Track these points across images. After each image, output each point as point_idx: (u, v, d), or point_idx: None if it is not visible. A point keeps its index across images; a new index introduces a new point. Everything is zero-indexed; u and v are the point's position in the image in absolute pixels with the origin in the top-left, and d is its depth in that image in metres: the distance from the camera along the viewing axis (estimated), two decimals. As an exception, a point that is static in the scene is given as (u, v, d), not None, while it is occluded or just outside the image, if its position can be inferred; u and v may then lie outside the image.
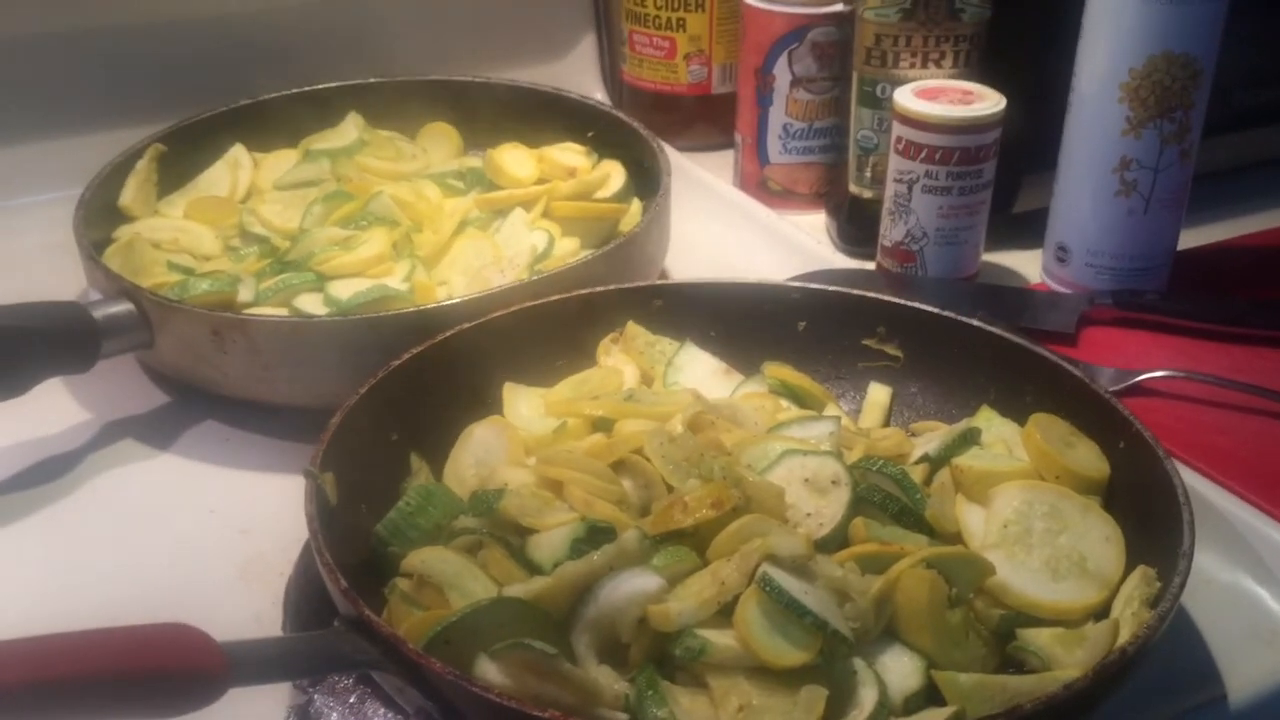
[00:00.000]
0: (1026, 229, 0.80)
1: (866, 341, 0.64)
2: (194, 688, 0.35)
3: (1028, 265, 0.80)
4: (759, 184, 0.89)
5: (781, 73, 0.85)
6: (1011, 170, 0.79)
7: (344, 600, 0.43)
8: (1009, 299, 0.74)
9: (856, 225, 0.81)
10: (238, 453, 0.65)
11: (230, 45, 0.89)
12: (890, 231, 0.76)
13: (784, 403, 0.60)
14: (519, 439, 0.57)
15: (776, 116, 0.86)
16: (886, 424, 0.62)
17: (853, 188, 0.81)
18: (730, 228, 0.86)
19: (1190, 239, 0.81)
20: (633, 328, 0.64)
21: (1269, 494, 0.57)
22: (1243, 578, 0.54)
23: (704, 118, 0.97)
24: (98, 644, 0.35)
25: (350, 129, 0.85)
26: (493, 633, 0.43)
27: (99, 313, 0.63)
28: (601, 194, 0.78)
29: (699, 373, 0.63)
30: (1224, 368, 0.65)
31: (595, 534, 0.48)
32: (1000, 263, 0.81)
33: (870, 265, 0.79)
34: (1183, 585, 0.44)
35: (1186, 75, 0.68)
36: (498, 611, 0.44)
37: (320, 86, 0.86)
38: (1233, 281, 0.75)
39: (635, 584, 0.46)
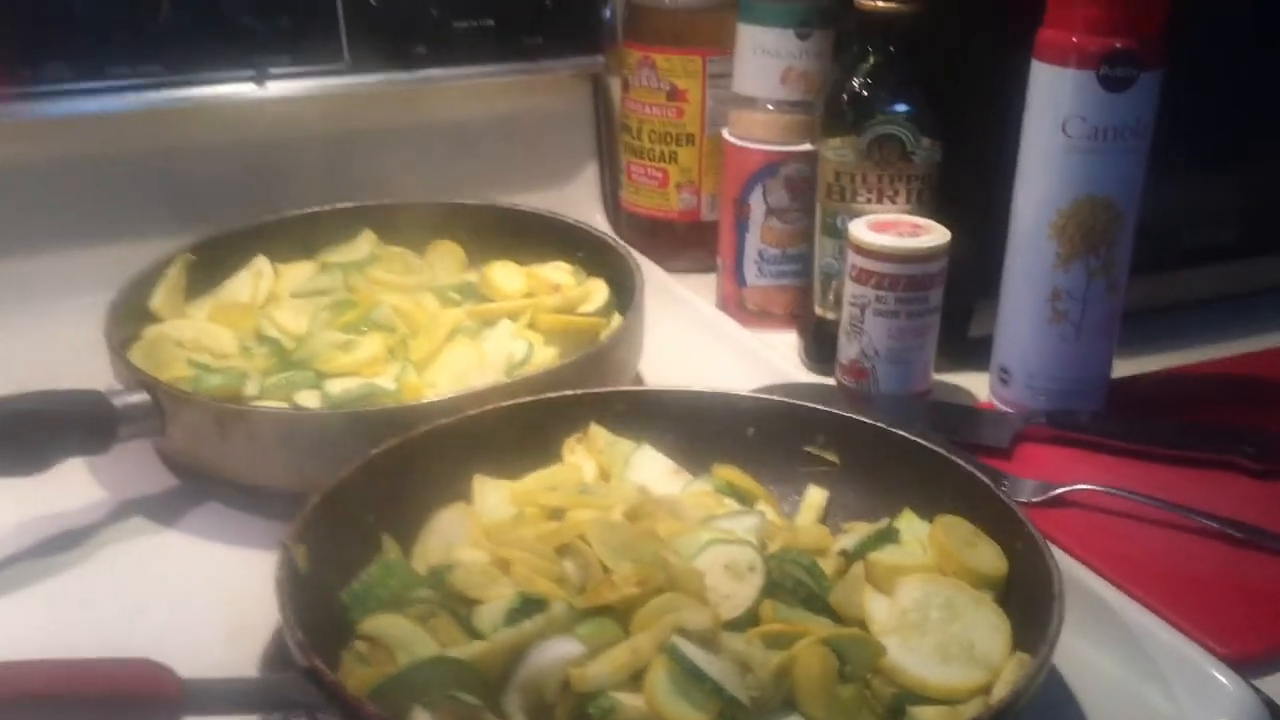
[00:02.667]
0: (978, 352, 0.86)
1: (808, 448, 0.70)
2: (154, 713, 0.41)
3: (978, 385, 0.86)
4: (738, 304, 0.96)
5: (757, 203, 0.92)
6: (964, 297, 0.85)
7: (298, 651, 0.49)
8: (953, 415, 0.80)
9: (820, 344, 0.88)
10: (234, 531, 0.71)
11: (258, 168, 0.99)
12: (846, 350, 0.82)
13: (727, 500, 0.66)
14: (479, 523, 0.63)
15: (753, 243, 0.94)
16: (821, 522, 0.67)
17: (817, 309, 0.88)
18: (707, 343, 0.93)
19: (1133, 368, 0.87)
20: (595, 429, 0.70)
21: (1165, 598, 0.62)
22: (1135, 675, 0.59)
23: (694, 242, 1.05)
24: (75, 669, 0.41)
25: (363, 244, 0.93)
26: (431, 688, 0.49)
27: (118, 401, 0.70)
28: (584, 308, 0.85)
29: (652, 471, 0.69)
30: (1144, 484, 0.70)
31: (529, 605, 0.53)
32: (954, 382, 0.87)
33: (832, 381, 0.85)
34: (1042, 666, 0.49)
35: (1109, 216, 0.75)
36: (436, 669, 0.50)
37: (338, 206, 0.94)
38: (1165, 408, 0.80)
39: (560, 650, 0.51)
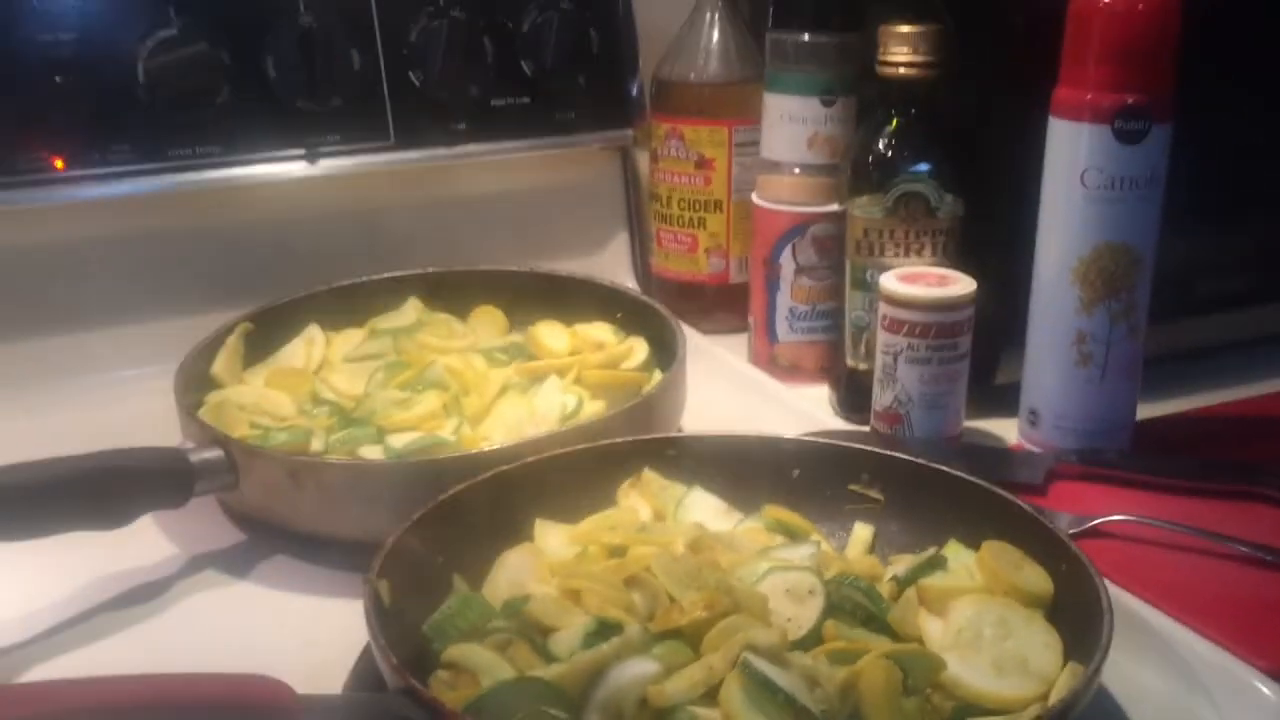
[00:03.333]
0: (1006, 398, 0.89)
1: (853, 487, 0.73)
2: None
3: (1007, 430, 0.89)
4: (770, 360, 1.00)
5: (787, 263, 0.97)
6: (991, 346, 0.89)
7: (394, 675, 0.52)
8: (986, 456, 0.84)
9: (853, 394, 0.91)
10: (303, 581, 0.74)
11: (309, 241, 1.03)
12: (880, 398, 0.86)
13: (777, 537, 0.70)
14: (545, 562, 0.66)
15: (783, 301, 0.98)
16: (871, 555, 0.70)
17: (849, 361, 0.92)
18: (744, 397, 0.96)
19: (1157, 410, 0.90)
20: (648, 474, 0.74)
21: (1204, 617, 0.64)
22: (1180, 690, 0.62)
23: (723, 304, 1.09)
24: (201, 681, 0.44)
25: (410, 311, 0.98)
26: (519, 705, 0.52)
27: (194, 457, 0.74)
28: (627, 365, 0.89)
29: (705, 512, 0.72)
30: (1174, 515, 0.73)
31: (605, 629, 0.56)
32: (983, 428, 0.90)
33: (866, 429, 0.89)
34: (1095, 673, 0.52)
35: (1128, 261, 0.79)
36: (523, 688, 0.53)
37: (385, 275, 0.99)
38: (1188, 446, 0.84)
39: (638, 669, 0.54)
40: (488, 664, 0.56)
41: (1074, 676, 0.54)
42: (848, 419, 0.93)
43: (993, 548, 0.63)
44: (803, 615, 0.59)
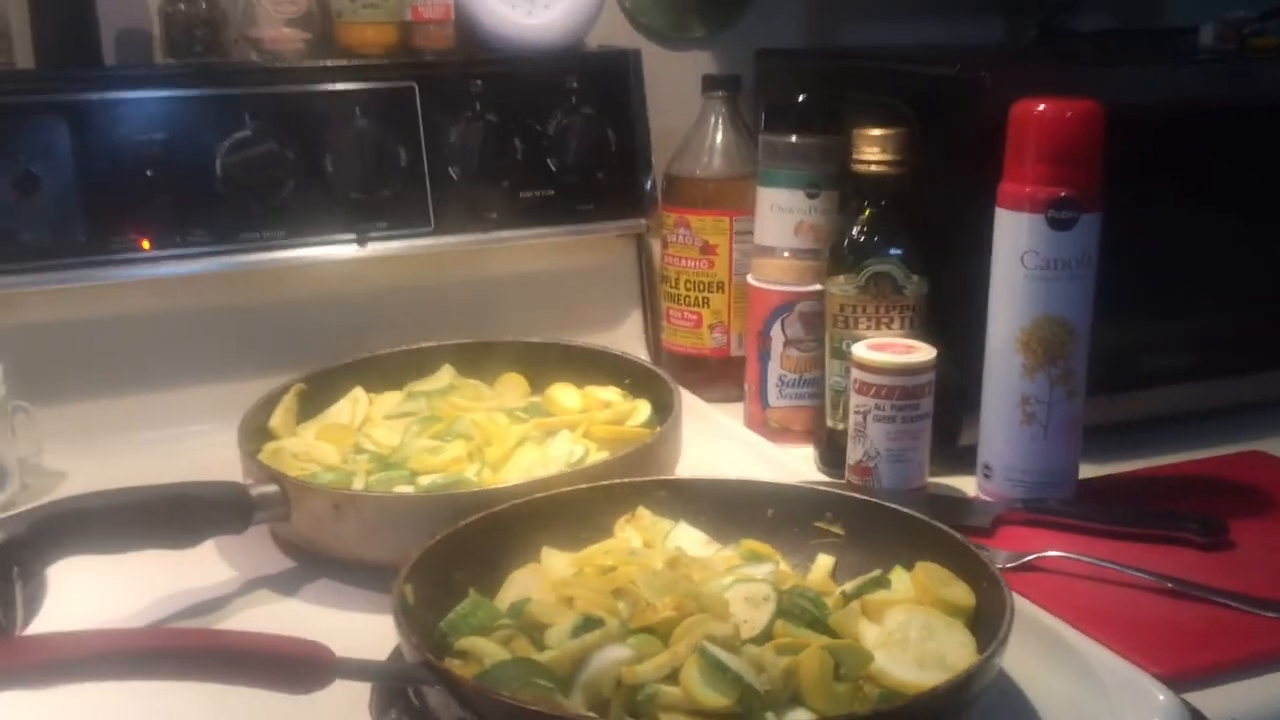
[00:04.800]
0: (968, 457, 1.00)
1: (818, 523, 0.84)
2: (312, 669, 0.56)
3: (968, 485, 1.00)
4: (763, 424, 1.12)
5: (777, 336, 1.09)
6: (954, 411, 1.00)
7: (413, 652, 0.64)
8: (943, 505, 0.94)
9: (833, 451, 1.03)
10: (345, 600, 0.85)
11: (358, 314, 1.16)
12: (853, 452, 0.97)
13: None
14: (548, 579, 0.78)
15: (774, 369, 1.10)
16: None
17: (829, 422, 1.03)
18: (737, 454, 1.08)
19: (1104, 471, 1.01)
20: (642, 510, 0.85)
21: (1113, 633, 0.74)
22: (1087, 693, 0.71)
23: (725, 375, 1.21)
24: (255, 637, 0.56)
25: (444, 377, 1.10)
26: (515, 679, 0.63)
27: (254, 490, 0.86)
28: (631, 422, 1.01)
29: (689, 542, 0.83)
30: (1102, 553, 0.84)
31: (590, 623, 0.68)
32: (948, 483, 1.01)
33: (843, 481, 1.00)
34: (992, 655, 0.63)
35: (1064, 333, 0.90)
36: (519, 667, 0.65)
37: (422, 345, 1.11)
38: (1126, 499, 0.94)
39: (615, 654, 0.65)
40: (493, 653, 0.68)
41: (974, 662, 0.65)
42: (828, 473, 1.04)
43: (925, 568, 0.74)
44: (757, 617, 0.70)
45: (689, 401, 1.17)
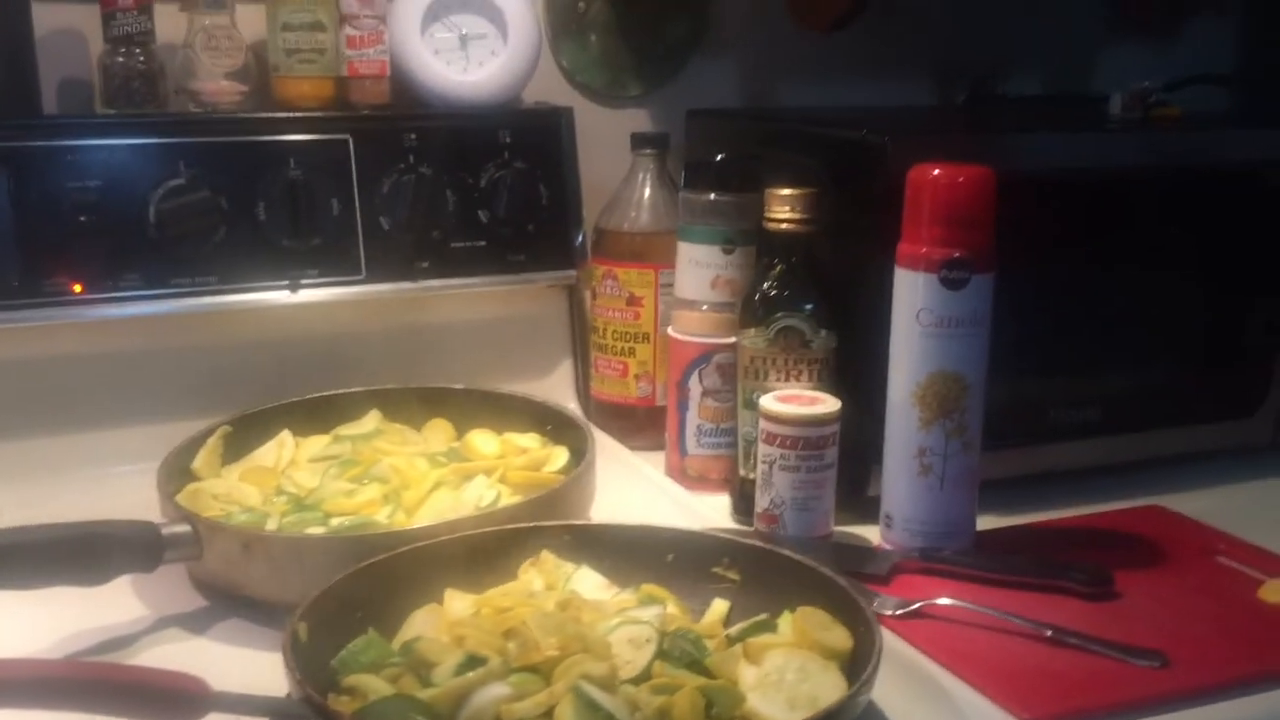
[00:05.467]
0: (876, 507, 1.03)
1: (715, 569, 0.87)
2: (188, 701, 0.58)
3: (875, 534, 1.03)
4: (681, 472, 1.15)
5: (695, 386, 1.12)
6: (863, 461, 1.03)
7: (296, 687, 0.66)
8: (845, 552, 0.97)
9: (744, 499, 1.05)
10: (254, 639, 0.86)
11: (288, 359, 1.19)
12: (760, 500, 1.00)
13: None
14: (445, 619, 0.80)
15: (692, 419, 1.13)
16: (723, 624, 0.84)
17: (741, 471, 1.06)
18: (653, 501, 1.10)
19: (1010, 522, 1.04)
20: (545, 554, 0.88)
21: (988, 679, 0.77)
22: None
23: (650, 424, 1.24)
24: (133, 670, 0.58)
25: (370, 421, 1.12)
26: (394, 717, 0.66)
27: (165, 530, 0.88)
28: (548, 468, 1.04)
29: (589, 586, 0.86)
30: (991, 602, 0.86)
31: (473, 661, 0.70)
32: (856, 532, 1.04)
33: (750, 529, 1.03)
34: (858, 692, 0.65)
35: (958, 387, 0.93)
36: (399, 703, 0.67)
37: (351, 390, 1.14)
38: (1022, 549, 0.96)
39: (495, 692, 0.68)
40: (377, 689, 0.70)
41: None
42: (740, 521, 1.06)
43: (805, 612, 0.76)
44: (639, 658, 0.72)
45: (614, 449, 1.20)
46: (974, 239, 0.92)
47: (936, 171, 0.92)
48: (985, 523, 1.01)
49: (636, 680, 0.71)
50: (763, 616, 0.80)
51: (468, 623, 0.76)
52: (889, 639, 0.82)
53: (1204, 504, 1.09)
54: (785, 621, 0.79)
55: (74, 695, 0.57)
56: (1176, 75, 1.33)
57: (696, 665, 0.72)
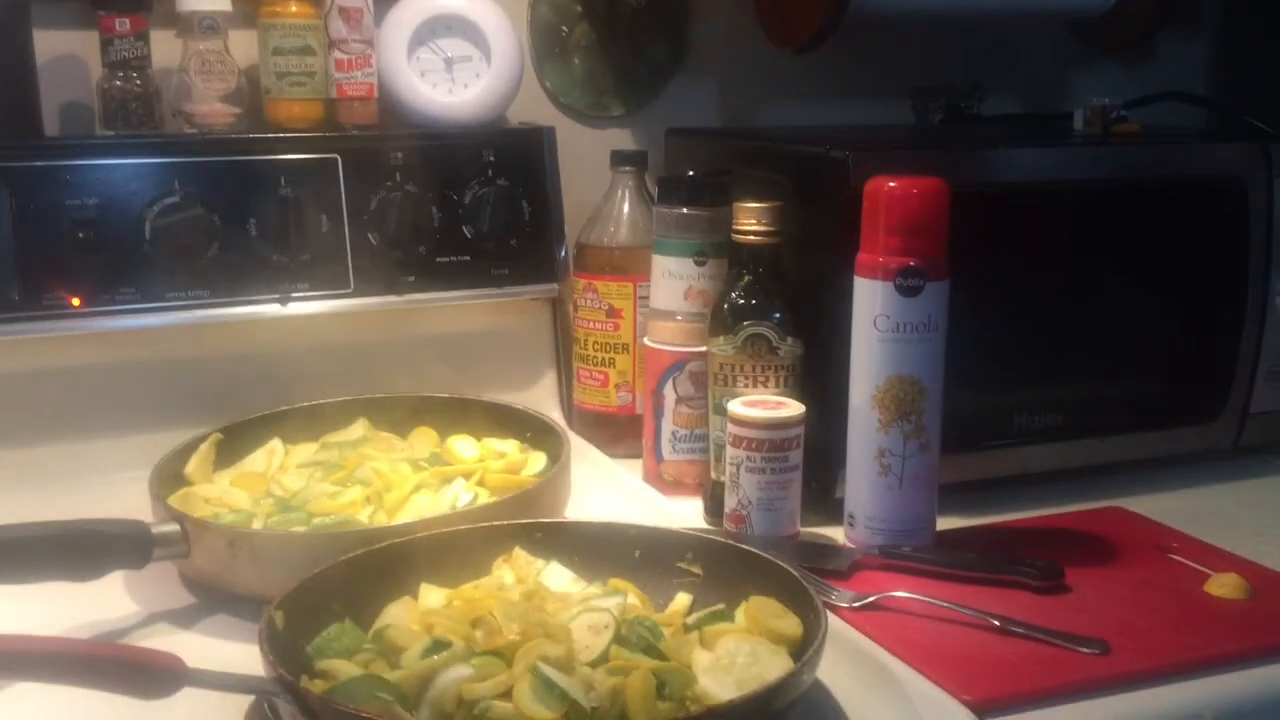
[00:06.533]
0: (843, 509, 1.07)
1: (680, 564, 0.91)
2: (165, 676, 0.62)
3: (841, 535, 1.07)
4: (657, 477, 1.18)
5: (669, 393, 1.16)
6: (831, 464, 1.07)
7: (270, 669, 0.70)
8: (808, 550, 1.01)
9: (716, 501, 1.09)
10: (239, 633, 0.90)
11: (279, 370, 1.23)
12: (728, 501, 1.04)
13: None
14: (418, 612, 0.84)
15: (667, 425, 1.17)
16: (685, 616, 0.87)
17: (713, 474, 1.10)
18: (629, 505, 1.14)
19: (971, 522, 1.07)
20: (518, 551, 0.91)
21: (934, 665, 0.81)
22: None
23: (630, 432, 1.27)
24: (113, 647, 0.62)
25: (358, 429, 1.17)
26: (361, 695, 0.69)
27: (155, 529, 0.92)
28: (526, 472, 1.08)
29: (559, 581, 0.90)
30: (945, 595, 0.90)
31: (438, 645, 0.74)
32: (823, 532, 1.07)
33: (720, 528, 1.06)
34: (802, 669, 0.69)
35: (915, 390, 0.97)
36: (367, 682, 0.71)
37: (339, 399, 1.19)
38: (980, 548, 1.00)
39: (457, 673, 0.71)
40: (347, 673, 0.74)
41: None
42: (711, 522, 1.10)
43: (757, 601, 0.80)
44: (596, 643, 0.76)
45: (594, 456, 1.24)
46: (927, 248, 0.96)
47: (891, 184, 0.96)
48: (949, 523, 1.05)
49: (594, 663, 0.75)
50: (720, 606, 0.83)
51: (438, 612, 0.80)
52: (843, 629, 0.86)
53: (1165, 506, 1.12)
54: (741, 611, 0.83)
55: (55, 669, 0.61)
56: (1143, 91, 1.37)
57: (652, 650, 0.76)
